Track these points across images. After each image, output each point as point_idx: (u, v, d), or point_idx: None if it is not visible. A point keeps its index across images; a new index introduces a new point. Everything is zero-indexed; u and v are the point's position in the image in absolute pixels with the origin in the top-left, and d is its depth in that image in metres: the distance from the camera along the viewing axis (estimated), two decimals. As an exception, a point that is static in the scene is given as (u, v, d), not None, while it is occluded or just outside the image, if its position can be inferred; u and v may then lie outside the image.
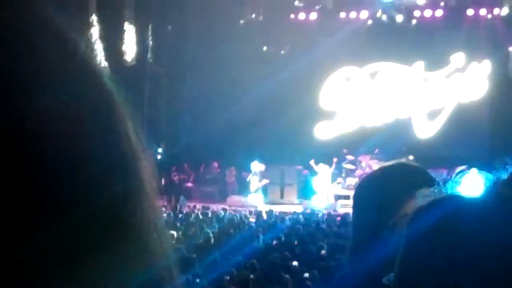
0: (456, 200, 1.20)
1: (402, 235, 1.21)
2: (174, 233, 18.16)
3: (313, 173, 31.92)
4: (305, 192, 32.11)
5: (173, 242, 16.61)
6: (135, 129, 0.85)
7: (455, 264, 1.12)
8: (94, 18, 27.80)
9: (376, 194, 2.59)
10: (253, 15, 34.74)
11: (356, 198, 2.86)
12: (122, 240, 0.77)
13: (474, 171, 1.36)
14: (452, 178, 1.29)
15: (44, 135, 0.73)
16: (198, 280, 12.67)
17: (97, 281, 0.74)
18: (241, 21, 34.41)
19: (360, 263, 2.65)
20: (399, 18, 34.18)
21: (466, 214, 1.16)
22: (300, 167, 32.33)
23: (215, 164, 33.97)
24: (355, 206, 2.87)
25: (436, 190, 1.24)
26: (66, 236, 0.73)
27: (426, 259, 1.17)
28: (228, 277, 12.96)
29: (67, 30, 0.81)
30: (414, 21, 34.34)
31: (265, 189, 32.24)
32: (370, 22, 34.56)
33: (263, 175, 31.93)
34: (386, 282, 1.30)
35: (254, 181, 32.00)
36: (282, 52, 35.18)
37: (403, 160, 3.06)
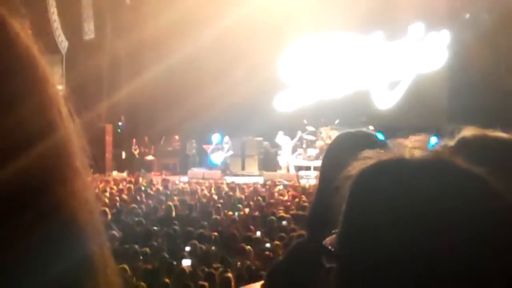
0: (398, 163, 1.21)
1: (345, 197, 1.22)
2: (135, 206, 18.13)
3: (273, 144, 32.13)
4: (266, 163, 32.22)
5: (135, 216, 16.62)
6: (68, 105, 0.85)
7: (397, 225, 1.14)
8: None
9: (333, 161, 2.64)
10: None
11: (322, 161, 2.99)
12: (46, 213, 0.76)
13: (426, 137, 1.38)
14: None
15: None
16: (158, 252, 12.68)
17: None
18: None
19: (319, 227, 2.69)
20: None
21: (407, 176, 1.17)
22: (260, 138, 32.40)
23: (176, 137, 33.96)
24: (320, 170, 2.97)
25: (378, 153, 1.25)
26: None
27: (368, 221, 1.18)
28: (188, 249, 12.98)
29: None
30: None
31: (225, 161, 32.39)
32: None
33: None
34: (326, 245, 1.31)
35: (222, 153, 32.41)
36: (241, 23, 35.02)
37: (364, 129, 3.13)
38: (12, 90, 0.77)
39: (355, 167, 1.23)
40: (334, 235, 1.27)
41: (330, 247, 1.28)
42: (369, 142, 2.61)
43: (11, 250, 0.72)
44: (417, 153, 1.21)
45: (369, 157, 1.24)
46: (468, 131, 1.54)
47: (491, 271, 1.10)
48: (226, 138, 32.30)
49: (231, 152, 32.22)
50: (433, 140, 1.38)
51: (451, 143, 1.62)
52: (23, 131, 0.76)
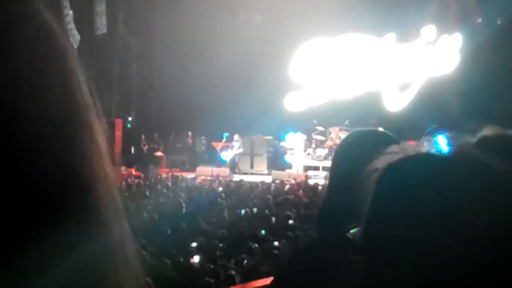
0: (427, 158, 1.20)
1: (371, 190, 1.22)
2: (144, 201, 18.18)
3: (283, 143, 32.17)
4: (275, 162, 32.22)
5: (143, 211, 16.64)
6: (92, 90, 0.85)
7: (423, 221, 1.13)
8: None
9: (350, 156, 2.64)
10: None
11: (333, 159, 2.98)
12: (69, 193, 0.75)
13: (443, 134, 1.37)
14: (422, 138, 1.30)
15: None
16: (166, 248, 12.70)
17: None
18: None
19: (330, 224, 2.68)
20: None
21: (436, 172, 1.17)
22: (270, 137, 32.39)
23: (189, 134, 34.03)
24: (331, 168, 2.95)
25: (405, 148, 1.25)
26: (11, 191, 0.71)
27: (394, 215, 1.17)
28: (195, 245, 13.00)
29: None
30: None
31: (234, 159, 32.40)
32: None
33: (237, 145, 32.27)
34: (350, 237, 1.31)
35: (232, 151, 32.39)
36: (253, 22, 35.07)
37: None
38: (33, 58, 0.76)
39: (382, 161, 1.23)
40: (358, 228, 1.27)
41: (355, 240, 1.27)
42: (381, 141, 2.58)
43: (32, 236, 0.71)
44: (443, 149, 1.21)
45: (395, 152, 1.24)
46: (489, 130, 1.53)
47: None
48: (236, 136, 32.31)
49: (240, 150, 32.22)
50: (443, 141, 1.37)
51: (472, 140, 1.61)
52: (45, 102, 0.75)
